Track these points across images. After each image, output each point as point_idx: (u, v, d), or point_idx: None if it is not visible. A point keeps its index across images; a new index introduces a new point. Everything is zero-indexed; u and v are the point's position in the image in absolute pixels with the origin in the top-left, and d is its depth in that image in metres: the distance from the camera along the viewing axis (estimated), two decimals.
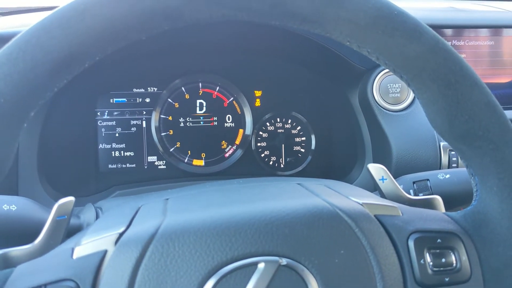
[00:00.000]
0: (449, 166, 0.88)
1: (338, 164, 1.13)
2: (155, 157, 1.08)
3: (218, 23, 0.89)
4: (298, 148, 1.13)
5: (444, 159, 0.88)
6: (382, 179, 0.57)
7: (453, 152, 0.88)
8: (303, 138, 1.13)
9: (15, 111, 0.35)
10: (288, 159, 1.13)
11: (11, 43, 0.35)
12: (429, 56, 0.39)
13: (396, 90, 0.93)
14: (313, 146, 1.13)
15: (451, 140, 0.44)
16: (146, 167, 1.07)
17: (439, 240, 0.44)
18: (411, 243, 0.43)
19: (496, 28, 1.01)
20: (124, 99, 1.06)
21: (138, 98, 1.07)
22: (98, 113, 1.05)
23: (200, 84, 1.09)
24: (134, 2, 0.36)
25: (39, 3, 1.23)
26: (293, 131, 1.13)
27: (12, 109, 0.35)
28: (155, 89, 1.07)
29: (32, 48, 0.35)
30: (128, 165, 1.07)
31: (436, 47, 0.39)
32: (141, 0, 0.36)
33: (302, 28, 0.40)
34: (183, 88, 1.08)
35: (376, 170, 0.58)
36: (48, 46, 0.35)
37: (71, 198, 0.52)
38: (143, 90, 1.07)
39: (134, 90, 1.06)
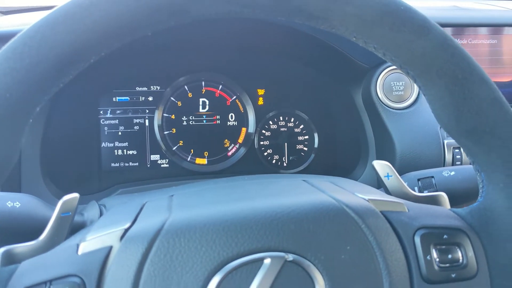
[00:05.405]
0: (453, 164, 0.87)
1: (341, 162, 1.13)
2: (158, 155, 1.08)
3: (220, 21, 0.89)
4: (301, 146, 1.13)
5: (448, 157, 0.88)
6: (387, 176, 0.57)
7: (457, 150, 0.88)
8: (306, 137, 1.13)
9: (21, 106, 0.35)
10: (291, 157, 1.13)
11: (17, 38, 0.35)
12: (437, 52, 0.39)
13: (399, 88, 0.93)
14: (316, 145, 1.13)
15: (457, 136, 0.43)
16: (149, 165, 1.07)
17: (445, 236, 0.44)
18: (417, 239, 0.43)
19: (497, 27, 1.01)
20: (127, 98, 1.06)
21: (141, 97, 1.07)
22: (101, 112, 1.05)
23: (203, 83, 1.09)
24: None
25: (41, 2, 1.23)
26: (296, 130, 1.13)
27: (18, 104, 0.35)
28: (158, 87, 1.07)
29: (37, 43, 0.35)
30: (131, 163, 1.06)
31: (444, 43, 0.39)
32: None
33: (308, 24, 0.40)
34: (186, 87, 1.08)
35: (381, 166, 0.57)
36: (53, 41, 0.35)
37: (75, 195, 0.52)
38: (146, 88, 1.07)
39: (137, 88, 1.06)
